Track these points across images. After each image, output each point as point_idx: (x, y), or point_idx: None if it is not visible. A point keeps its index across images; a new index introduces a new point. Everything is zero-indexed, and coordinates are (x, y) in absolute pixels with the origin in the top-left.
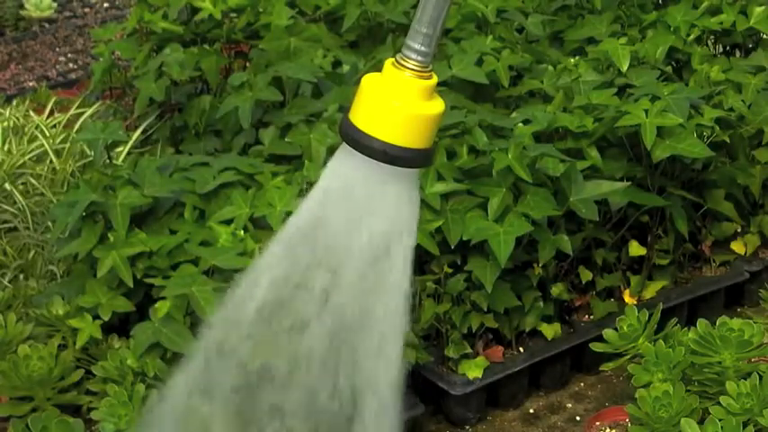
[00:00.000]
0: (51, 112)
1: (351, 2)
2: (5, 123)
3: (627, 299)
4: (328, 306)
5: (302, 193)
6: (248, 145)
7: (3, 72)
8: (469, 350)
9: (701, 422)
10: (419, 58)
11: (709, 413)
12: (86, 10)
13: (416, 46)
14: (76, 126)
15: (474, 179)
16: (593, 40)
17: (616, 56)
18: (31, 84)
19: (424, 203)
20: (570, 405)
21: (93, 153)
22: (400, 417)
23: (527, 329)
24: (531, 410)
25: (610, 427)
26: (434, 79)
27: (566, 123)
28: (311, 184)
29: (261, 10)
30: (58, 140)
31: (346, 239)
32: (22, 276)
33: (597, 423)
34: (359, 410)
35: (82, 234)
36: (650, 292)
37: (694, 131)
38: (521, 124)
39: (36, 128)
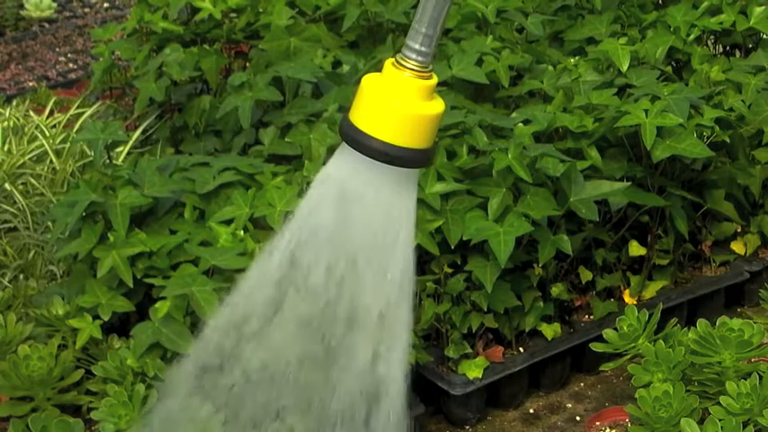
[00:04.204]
0: (51, 112)
1: (351, 2)
2: (5, 123)
3: (627, 299)
4: (329, 306)
5: (302, 193)
6: (248, 145)
7: (3, 72)
8: (469, 350)
9: (701, 422)
10: (419, 58)
11: (710, 413)
12: (86, 10)
13: (416, 46)
14: (76, 126)
15: (474, 179)
16: (593, 40)
17: (616, 56)
18: (31, 84)
19: (424, 203)
20: (570, 405)
21: (93, 153)
22: (405, 417)
23: (527, 329)
24: (531, 410)
25: (610, 427)
26: (434, 79)
27: (566, 123)
28: (311, 185)
29: (261, 10)
30: (58, 140)
31: (346, 239)
32: (22, 276)
33: (597, 423)
34: (361, 411)
35: (82, 234)
36: (650, 292)
37: (694, 131)
38: (521, 124)
39: (36, 128)
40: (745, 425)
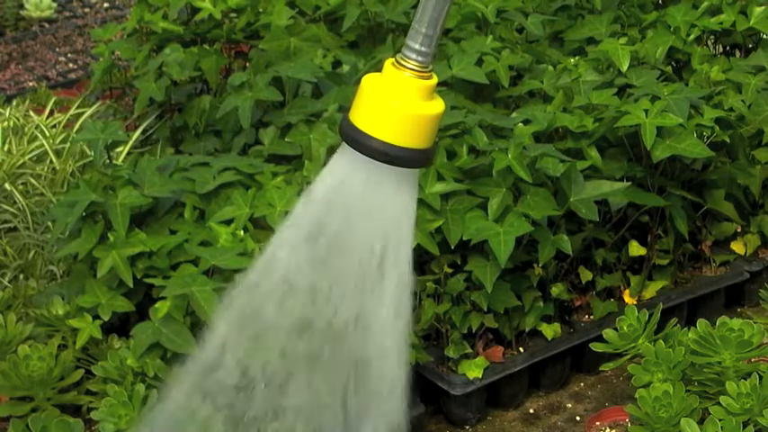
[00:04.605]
0: (51, 112)
1: (351, 2)
2: (5, 123)
3: (627, 299)
4: (329, 306)
5: (302, 193)
6: (248, 145)
7: (3, 72)
8: (469, 350)
9: (701, 422)
10: (419, 58)
11: (710, 413)
12: (86, 10)
13: (416, 46)
14: (76, 126)
15: (474, 179)
16: (593, 40)
17: (616, 56)
18: (31, 84)
19: (424, 203)
20: (570, 405)
21: (93, 153)
22: (403, 417)
23: (527, 329)
24: (531, 410)
25: (610, 427)
26: (434, 79)
27: (566, 123)
28: (311, 185)
29: (261, 10)
30: (58, 140)
31: (346, 239)
32: (22, 276)
33: (597, 423)
34: (361, 411)
35: (82, 234)
36: (650, 292)
37: (694, 131)
38: (521, 124)
39: (36, 128)
40: (745, 425)
